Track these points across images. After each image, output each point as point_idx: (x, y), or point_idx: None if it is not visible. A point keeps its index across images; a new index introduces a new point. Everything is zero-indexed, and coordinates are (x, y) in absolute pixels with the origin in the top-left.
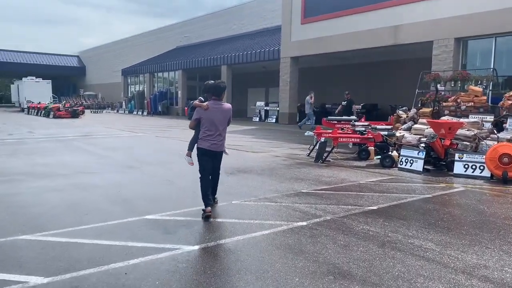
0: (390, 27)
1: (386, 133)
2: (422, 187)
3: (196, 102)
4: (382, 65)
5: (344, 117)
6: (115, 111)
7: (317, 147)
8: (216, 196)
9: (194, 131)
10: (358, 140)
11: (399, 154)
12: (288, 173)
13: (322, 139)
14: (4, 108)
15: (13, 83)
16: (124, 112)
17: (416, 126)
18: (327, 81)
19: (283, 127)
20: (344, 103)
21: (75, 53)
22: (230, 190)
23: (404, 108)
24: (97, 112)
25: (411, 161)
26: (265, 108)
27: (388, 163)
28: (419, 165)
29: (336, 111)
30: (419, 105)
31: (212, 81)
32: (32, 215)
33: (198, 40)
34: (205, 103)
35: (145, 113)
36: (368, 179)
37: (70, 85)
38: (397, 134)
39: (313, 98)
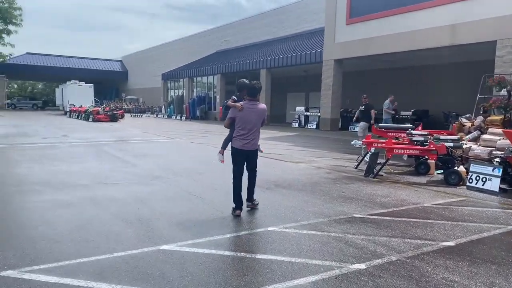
0: (447, 26)
1: (451, 144)
2: (505, 214)
3: (230, 102)
4: (433, 68)
5: (397, 125)
6: (155, 115)
7: (366, 158)
8: (255, 198)
9: (229, 130)
10: (417, 152)
11: (467, 170)
12: (335, 190)
13: (373, 150)
14: (50, 111)
15: (58, 87)
16: (163, 116)
17: (485, 136)
18: (372, 86)
19: (324, 134)
20: (362, 108)
21: (118, 58)
22: (266, 210)
23: (467, 115)
24: (137, 116)
25: (484, 179)
26: (305, 113)
27: (454, 180)
28: (494, 184)
29: (354, 118)
30: (481, 112)
31: (245, 80)
32: (28, 240)
33: (237, 44)
34: (239, 104)
35: (183, 117)
36: (433, 200)
37: (113, 89)
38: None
39: (395, 103)
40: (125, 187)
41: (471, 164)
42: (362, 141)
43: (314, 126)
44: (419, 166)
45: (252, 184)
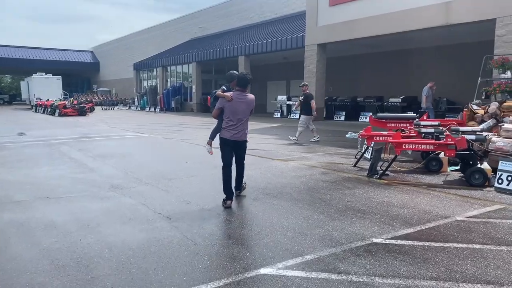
0: (440, 4)
1: (473, 137)
2: None
3: (219, 92)
4: (421, 51)
5: (399, 115)
6: (127, 107)
7: (366, 155)
8: (244, 182)
9: (216, 121)
10: (432, 147)
11: (493, 168)
12: (338, 198)
13: (373, 144)
14: (17, 106)
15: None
16: (136, 108)
17: (507, 126)
18: (357, 72)
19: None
20: (301, 98)
21: (89, 48)
22: (256, 236)
23: (477, 101)
24: (108, 109)
25: None
26: (287, 102)
27: (478, 180)
28: None
29: (294, 107)
30: (483, 97)
31: (235, 72)
32: None
33: (213, 31)
34: (228, 94)
35: (157, 109)
36: (464, 211)
37: (85, 82)
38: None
39: (434, 87)
40: (72, 203)
41: (500, 162)
42: (360, 134)
43: (298, 116)
44: (430, 163)
45: (240, 175)
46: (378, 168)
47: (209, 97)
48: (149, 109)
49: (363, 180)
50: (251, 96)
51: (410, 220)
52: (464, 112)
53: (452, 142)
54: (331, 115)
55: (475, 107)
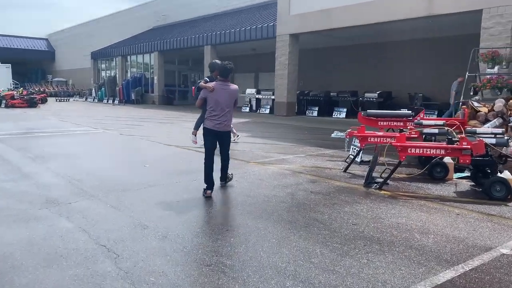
0: None
1: (494, 141)
2: None
3: (202, 83)
4: (397, 45)
5: (393, 112)
6: (84, 99)
7: (358, 159)
8: (230, 173)
9: (199, 114)
10: (444, 152)
11: None
12: (339, 218)
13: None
14: None
15: None
16: (93, 100)
17: None
18: (330, 65)
19: (282, 120)
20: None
21: (43, 36)
22: (242, 286)
23: (476, 98)
24: (63, 101)
25: None
26: (256, 96)
27: (500, 193)
28: None
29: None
30: (471, 93)
31: (217, 61)
32: None
33: (177, 19)
34: (211, 84)
35: (116, 101)
36: (504, 237)
37: (39, 71)
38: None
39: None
40: None
41: None
42: (348, 134)
43: (268, 111)
44: (434, 169)
45: (225, 166)
46: (375, 175)
47: (193, 87)
48: (107, 101)
49: (361, 191)
50: (234, 86)
51: (444, 255)
52: (465, 109)
53: (469, 146)
54: (303, 110)
55: (476, 104)
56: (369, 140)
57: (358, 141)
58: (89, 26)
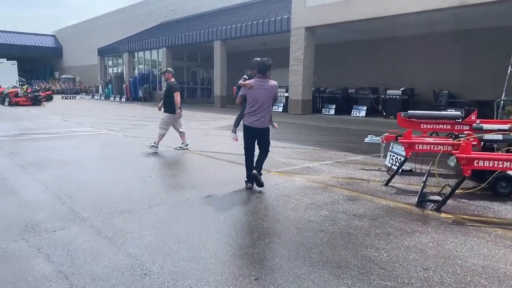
0: None
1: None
2: None
3: (241, 81)
4: (421, 38)
5: (439, 113)
6: (90, 96)
7: (394, 168)
8: (261, 172)
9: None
10: None
11: None
12: (403, 260)
13: (452, 162)
14: None
15: None
16: (100, 97)
17: None
18: (347, 61)
19: (298, 119)
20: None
21: (51, 33)
22: None
23: None
24: (68, 98)
25: None
26: None
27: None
28: None
29: (159, 106)
30: None
31: (258, 59)
32: None
33: (186, 14)
34: (249, 81)
35: (123, 99)
36: None
37: (48, 68)
38: None
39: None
40: None
41: None
42: (384, 138)
43: (281, 109)
44: (498, 183)
45: (261, 161)
46: (427, 190)
47: (234, 87)
48: (114, 99)
49: (416, 214)
50: (272, 82)
51: None
52: None
53: None
54: (318, 108)
55: None
56: (416, 148)
57: (399, 147)
58: (96, 22)
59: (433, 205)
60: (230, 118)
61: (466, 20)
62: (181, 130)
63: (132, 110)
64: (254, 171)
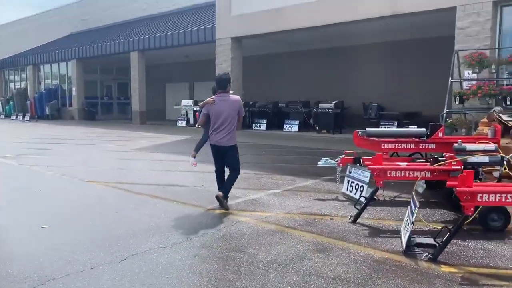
0: None
1: (486, 159)
2: None
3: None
4: (352, 50)
5: (402, 130)
6: None
7: (357, 195)
8: (228, 196)
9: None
10: None
11: None
12: None
13: (420, 188)
14: None
15: None
16: (0, 116)
17: None
18: (277, 73)
19: None
20: None
21: None
22: None
23: (497, 108)
24: None
25: None
26: (194, 108)
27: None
28: None
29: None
30: (456, 102)
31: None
32: None
33: (100, 24)
34: (210, 98)
35: (27, 117)
36: None
37: None
38: None
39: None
40: None
41: None
42: (341, 161)
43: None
44: (488, 216)
45: (229, 181)
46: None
47: (197, 113)
48: (16, 117)
49: (410, 269)
50: (234, 97)
51: None
52: (495, 125)
53: None
54: (248, 123)
55: (505, 117)
56: (389, 175)
57: (358, 171)
58: None
59: (426, 253)
60: (152, 137)
61: (394, 31)
62: None
63: (36, 129)
64: (219, 193)
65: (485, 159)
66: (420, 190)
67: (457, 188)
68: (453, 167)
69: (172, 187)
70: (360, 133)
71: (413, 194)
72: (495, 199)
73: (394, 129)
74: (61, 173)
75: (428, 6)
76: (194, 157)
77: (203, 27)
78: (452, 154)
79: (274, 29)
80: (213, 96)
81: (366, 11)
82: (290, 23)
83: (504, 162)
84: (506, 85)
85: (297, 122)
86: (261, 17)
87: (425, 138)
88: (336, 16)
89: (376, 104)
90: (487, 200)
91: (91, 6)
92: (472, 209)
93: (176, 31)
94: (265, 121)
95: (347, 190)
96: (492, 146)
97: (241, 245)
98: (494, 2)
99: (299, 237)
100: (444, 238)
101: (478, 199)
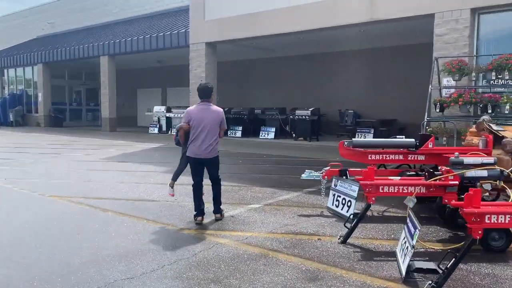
0: None
1: (484, 173)
2: None
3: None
4: (326, 56)
5: (391, 140)
6: None
7: (344, 211)
8: (221, 207)
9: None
10: None
11: None
12: None
13: (411, 203)
14: None
15: None
16: None
17: None
18: (251, 80)
19: None
20: None
21: None
22: None
23: (486, 118)
24: None
25: None
26: (167, 115)
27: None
28: None
29: None
30: (437, 110)
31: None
32: None
33: (67, 27)
34: (191, 107)
35: None
36: None
37: None
38: None
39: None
40: None
41: None
42: (326, 173)
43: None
44: (489, 235)
45: (216, 196)
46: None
47: (174, 135)
48: None
49: None
50: (217, 107)
51: None
52: (487, 136)
53: None
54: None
55: (495, 127)
56: (381, 191)
57: (345, 185)
58: None
59: (430, 282)
60: (122, 145)
61: (373, 37)
62: None
63: None
64: (199, 217)
65: (484, 173)
66: (411, 204)
67: (464, 209)
68: (450, 182)
69: (142, 202)
70: (346, 143)
71: (411, 213)
72: (504, 220)
73: (381, 139)
74: (20, 186)
75: (406, 12)
76: (172, 187)
77: (176, 31)
78: (448, 168)
79: (249, 35)
80: (195, 105)
81: (343, 18)
82: (265, 29)
83: (503, 176)
84: (486, 93)
85: (273, 129)
86: (236, 22)
87: (414, 149)
88: (312, 22)
89: (352, 111)
90: (495, 221)
91: (58, 9)
92: (480, 232)
93: (148, 35)
94: (240, 128)
95: (332, 205)
96: (490, 159)
97: (220, 275)
98: (473, 10)
99: (286, 262)
100: (449, 265)
101: (487, 221)
